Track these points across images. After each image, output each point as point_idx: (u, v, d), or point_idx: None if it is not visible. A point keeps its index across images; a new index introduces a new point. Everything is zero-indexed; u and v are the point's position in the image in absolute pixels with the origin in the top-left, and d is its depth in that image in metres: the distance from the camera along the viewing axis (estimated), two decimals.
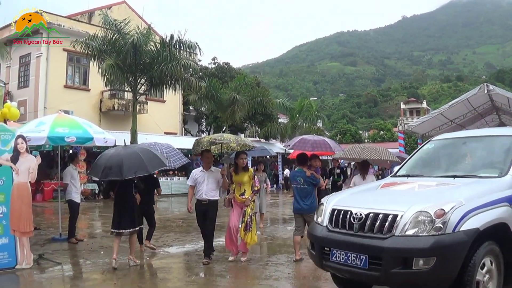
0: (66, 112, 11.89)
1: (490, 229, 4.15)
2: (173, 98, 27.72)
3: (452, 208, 3.98)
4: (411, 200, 4.37)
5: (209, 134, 24.92)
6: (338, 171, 13.97)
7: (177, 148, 11.07)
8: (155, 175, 9.01)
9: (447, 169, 5.49)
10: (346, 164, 22.43)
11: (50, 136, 8.45)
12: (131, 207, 7.15)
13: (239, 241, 7.46)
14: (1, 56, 18.19)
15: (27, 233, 7.07)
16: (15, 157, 7.02)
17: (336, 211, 4.61)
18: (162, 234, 10.25)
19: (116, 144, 9.46)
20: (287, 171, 29.85)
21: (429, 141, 6.45)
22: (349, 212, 4.44)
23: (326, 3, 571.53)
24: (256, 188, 7.52)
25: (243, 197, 7.32)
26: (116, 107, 25.58)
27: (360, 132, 71.12)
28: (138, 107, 22.04)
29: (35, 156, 7.68)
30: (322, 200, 5.19)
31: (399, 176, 5.70)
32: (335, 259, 4.42)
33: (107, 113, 25.88)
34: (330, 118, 78.04)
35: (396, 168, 6.14)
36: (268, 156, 25.38)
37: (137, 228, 7.31)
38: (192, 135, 31.97)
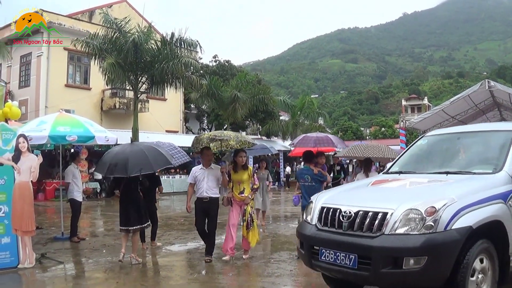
0: (67, 111, 11.88)
1: (484, 227, 4.03)
2: (174, 96, 27.69)
3: (444, 205, 3.87)
4: (402, 197, 4.28)
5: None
6: (338, 168, 13.94)
7: (179, 146, 11.10)
8: (156, 173, 9.02)
9: (440, 165, 5.34)
10: (348, 161, 22.40)
11: (51, 135, 8.46)
12: (137, 205, 7.22)
13: (237, 239, 7.44)
14: (2, 56, 18.19)
15: (29, 232, 7.08)
16: (16, 157, 7.02)
17: (325, 209, 4.49)
18: (164, 232, 10.26)
19: (118, 143, 9.49)
20: (288, 169, 29.88)
21: (422, 136, 6.33)
22: (338, 210, 4.33)
23: (327, 0, 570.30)
24: (255, 187, 7.48)
25: (242, 195, 7.28)
26: (117, 106, 25.57)
27: (362, 129, 70.99)
28: (139, 105, 22.05)
29: (37, 155, 7.70)
30: (311, 198, 5.09)
31: (391, 172, 5.57)
32: (324, 258, 4.32)
33: (108, 111, 25.88)
34: (332, 115, 77.94)
35: (388, 165, 6.02)
36: (269, 154, 25.38)
37: (145, 225, 7.43)
38: (193, 133, 31.91)
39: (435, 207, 3.85)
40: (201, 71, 29.79)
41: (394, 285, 4.02)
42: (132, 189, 7.23)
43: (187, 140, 21.11)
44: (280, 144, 30.60)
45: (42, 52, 23.14)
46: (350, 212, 4.21)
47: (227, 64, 35.73)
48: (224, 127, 27.17)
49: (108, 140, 9.39)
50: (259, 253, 8.01)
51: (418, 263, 3.74)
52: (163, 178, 20.72)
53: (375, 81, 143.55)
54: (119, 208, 7.30)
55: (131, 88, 20.44)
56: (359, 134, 62.63)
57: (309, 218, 4.71)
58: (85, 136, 8.91)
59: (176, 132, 28.83)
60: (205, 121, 34.77)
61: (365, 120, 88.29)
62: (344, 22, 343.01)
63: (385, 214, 3.99)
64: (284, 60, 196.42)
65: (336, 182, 13.17)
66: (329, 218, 4.39)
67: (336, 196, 4.87)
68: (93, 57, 18.23)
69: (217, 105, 25.75)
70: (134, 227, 7.14)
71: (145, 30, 18.63)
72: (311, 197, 5.12)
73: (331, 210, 4.42)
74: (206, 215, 7.30)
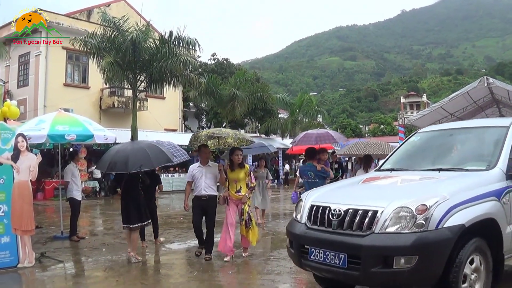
0: (66, 110, 11.85)
1: (477, 225, 3.94)
2: (173, 95, 27.65)
3: (436, 203, 3.77)
4: (393, 195, 4.17)
5: None
6: (336, 166, 13.93)
7: (178, 145, 11.12)
8: (156, 171, 9.02)
9: (432, 162, 5.22)
10: (347, 159, 22.41)
11: (50, 134, 8.46)
12: (137, 203, 7.25)
13: (235, 238, 7.44)
14: (0, 56, 18.14)
15: (29, 232, 7.08)
16: (15, 156, 7.02)
17: (314, 208, 4.40)
18: (164, 231, 10.27)
19: (117, 142, 9.49)
20: (287, 166, 29.88)
21: (415, 133, 6.22)
22: (328, 209, 4.24)
23: None
24: (252, 185, 7.43)
25: (239, 194, 7.24)
26: (116, 105, 25.54)
27: (361, 126, 71.06)
28: (138, 104, 22.02)
29: (36, 155, 7.69)
30: (301, 196, 5.03)
31: (383, 170, 5.46)
32: (313, 257, 4.22)
33: (107, 110, 25.85)
34: (330, 112, 78.02)
35: (381, 162, 5.93)
36: (268, 152, 25.38)
37: (145, 223, 7.45)
38: (192, 132, 31.87)
39: (426, 205, 3.76)
40: (200, 69, 29.79)
41: (384, 284, 3.93)
42: (133, 187, 7.26)
43: (186, 139, 21.03)
44: (279, 142, 30.58)
45: (41, 52, 23.09)
46: (339, 210, 4.12)
47: (225, 62, 35.70)
48: (223, 125, 27.15)
49: (107, 138, 9.39)
50: (259, 251, 8.01)
51: (409, 263, 3.66)
52: (163, 177, 20.64)
53: (374, 79, 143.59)
54: (120, 206, 7.35)
55: (129, 87, 20.42)
56: (358, 132, 62.69)
57: (298, 217, 4.62)
58: (84, 135, 8.90)
59: (175, 130, 28.83)
60: (204, 119, 34.74)
61: (364, 118, 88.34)
62: (343, 20, 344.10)
63: (375, 212, 3.90)
64: (283, 58, 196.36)
65: (334, 180, 13.18)
66: (319, 216, 4.30)
67: (326, 194, 4.76)
68: (92, 56, 18.20)
69: (215, 103, 25.71)
70: (134, 225, 7.17)
71: (144, 28, 18.60)
72: (301, 195, 5.05)
73: (321, 208, 4.33)
74: (204, 213, 7.29)
